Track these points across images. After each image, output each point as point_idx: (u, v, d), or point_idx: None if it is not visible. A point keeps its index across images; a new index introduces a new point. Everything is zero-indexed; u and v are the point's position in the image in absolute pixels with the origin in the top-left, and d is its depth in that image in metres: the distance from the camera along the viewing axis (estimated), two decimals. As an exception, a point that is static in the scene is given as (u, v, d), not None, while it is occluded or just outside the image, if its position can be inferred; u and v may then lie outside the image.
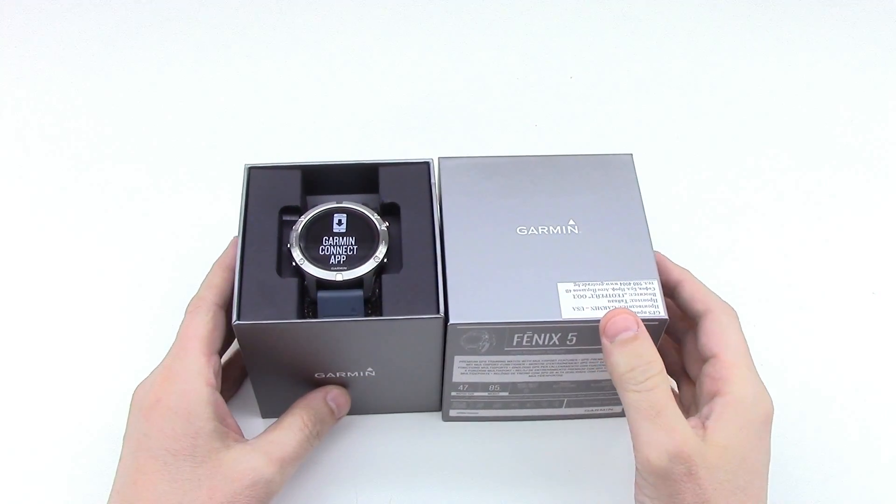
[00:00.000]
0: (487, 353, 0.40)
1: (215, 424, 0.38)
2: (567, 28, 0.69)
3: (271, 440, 0.39)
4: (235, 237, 0.42)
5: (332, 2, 0.70)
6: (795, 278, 0.53)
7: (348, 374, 0.42)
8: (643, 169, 0.45)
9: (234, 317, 0.38)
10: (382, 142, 0.60)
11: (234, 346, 0.45)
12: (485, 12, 0.70)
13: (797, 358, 0.50)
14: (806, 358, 0.50)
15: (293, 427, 0.40)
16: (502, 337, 0.39)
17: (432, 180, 0.43)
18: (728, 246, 0.55)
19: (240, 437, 0.40)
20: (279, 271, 0.40)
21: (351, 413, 0.46)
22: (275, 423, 0.41)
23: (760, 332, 0.51)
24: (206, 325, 0.39)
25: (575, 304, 0.39)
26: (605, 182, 0.43)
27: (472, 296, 0.39)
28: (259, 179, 0.43)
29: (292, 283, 0.40)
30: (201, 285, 0.41)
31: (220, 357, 0.41)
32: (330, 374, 0.42)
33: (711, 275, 0.53)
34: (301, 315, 0.39)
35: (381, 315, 0.39)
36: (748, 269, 0.54)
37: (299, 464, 0.40)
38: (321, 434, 0.42)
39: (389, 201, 0.43)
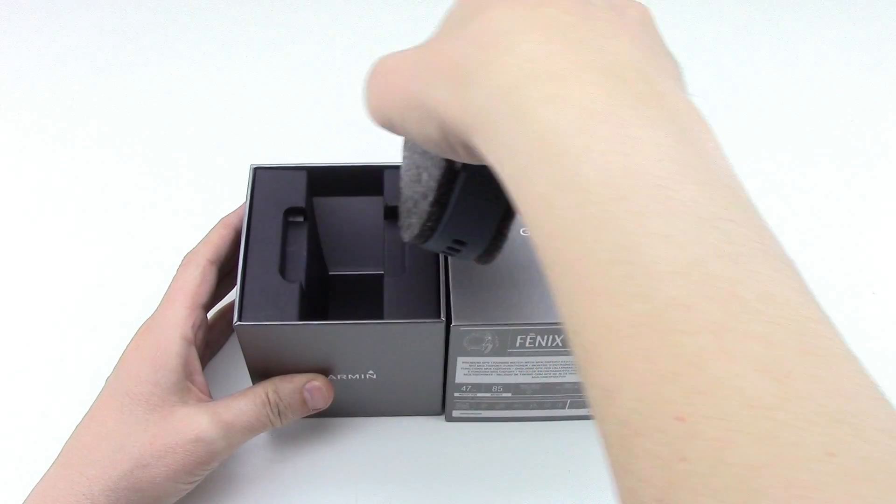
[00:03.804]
0: (490, 354, 0.40)
1: (179, 378, 0.39)
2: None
3: (227, 405, 0.40)
4: (244, 203, 0.43)
5: (336, 1, 0.70)
6: (796, 278, 0.54)
7: (349, 376, 0.42)
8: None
9: (235, 318, 0.38)
10: (388, 144, 0.60)
11: (221, 304, 0.46)
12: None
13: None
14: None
15: (255, 399, 0.40)
16: (505, 338, 0.39)
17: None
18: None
19: (204, 396, 0.41)
20: (282, 272, 0.40)
21: (352, 415, 0.46)
22: (241, 391, 0.41)
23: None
24: (194, 280, 0.41)
25: (578, 306, 0.39)
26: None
27: (475, 297, 0.39)
28: (264, 180, 0.43)
29: (294, 284, 0.40)
30: (200, 241, 0.43)
31: (207, 311, 0.42)
32: (331, 376, 0.42)
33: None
34: (302, 317, 0.39)
35: (382, 318, 0.39)
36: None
37: (251, 435, 0.41)
38: (285, 416, 0.41)
39: (394, 204, 0.42)
